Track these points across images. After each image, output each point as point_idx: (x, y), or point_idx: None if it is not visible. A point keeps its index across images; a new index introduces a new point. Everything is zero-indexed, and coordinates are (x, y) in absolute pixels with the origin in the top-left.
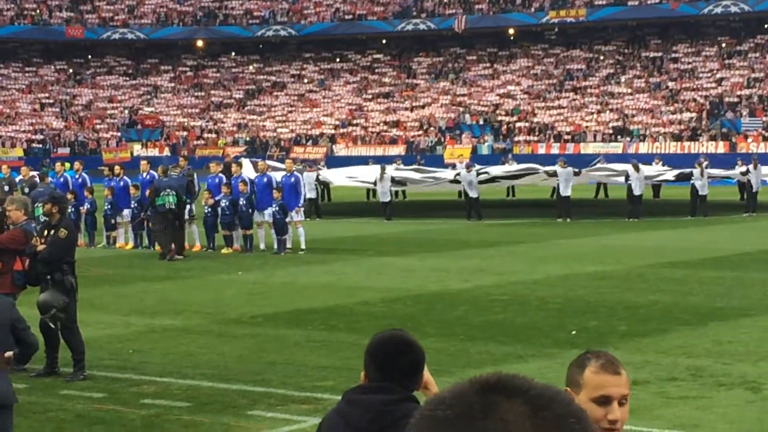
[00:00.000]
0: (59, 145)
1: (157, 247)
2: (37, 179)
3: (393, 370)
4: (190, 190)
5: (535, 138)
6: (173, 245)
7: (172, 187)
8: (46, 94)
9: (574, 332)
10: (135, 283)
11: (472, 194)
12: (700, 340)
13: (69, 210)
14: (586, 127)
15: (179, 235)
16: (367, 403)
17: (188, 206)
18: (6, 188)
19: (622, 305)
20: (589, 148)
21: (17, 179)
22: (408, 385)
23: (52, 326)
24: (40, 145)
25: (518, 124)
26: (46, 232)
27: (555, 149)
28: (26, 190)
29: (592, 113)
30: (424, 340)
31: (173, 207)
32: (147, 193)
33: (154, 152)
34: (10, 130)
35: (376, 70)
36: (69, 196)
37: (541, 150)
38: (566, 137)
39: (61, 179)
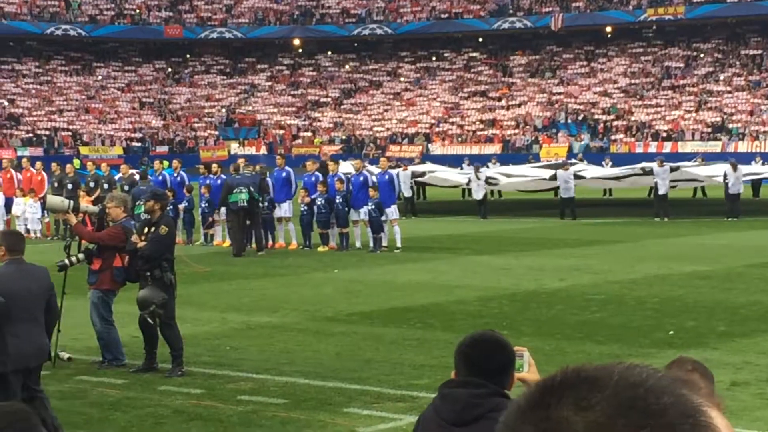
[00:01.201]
0: (158, 144)
1: (226, 243)
2: (137, 177)
3: (482, 370)
4: (263, 188)
5: (633, 137)
6: (251, 242)
7: (244, 185)
8: (145, 93)
9: (671, 332)
10: (232, 281)
11: (567, 194)
12: None
13: (168, 207)
14: (684, 125)
15: (256, 231)
16: (456, 396)
17: (285, 204)
18: (105, 186)
19: (721, 305)
20: (687, 146)
21: (116, 177)
22: (497, 383)
23: (151, 322)
24: (139, 144)
25: (615, 123)
26: (146, 230)
27: (652, 148)
28: (125, 187)
29: (691, 111)
30: (519, 339)
31: (245, 204)
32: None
33: (251, 151)
34: (110, 129)
35: (472, 69)
36: (168, 193)
37: (639, 149)
38: (664, 136)
39: (160, 177)
